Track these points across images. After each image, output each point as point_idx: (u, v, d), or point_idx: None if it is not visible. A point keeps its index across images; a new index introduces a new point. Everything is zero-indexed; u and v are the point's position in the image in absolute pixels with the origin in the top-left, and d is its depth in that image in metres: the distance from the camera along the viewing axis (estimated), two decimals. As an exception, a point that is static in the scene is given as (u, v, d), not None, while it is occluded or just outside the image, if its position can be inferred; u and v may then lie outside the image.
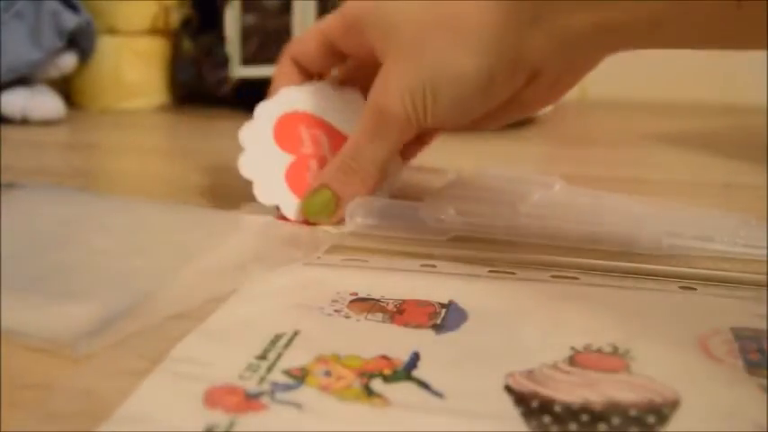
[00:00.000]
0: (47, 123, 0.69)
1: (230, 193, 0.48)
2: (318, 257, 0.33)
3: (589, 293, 0.30)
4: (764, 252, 0.34)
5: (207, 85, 0.78)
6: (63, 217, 0.38)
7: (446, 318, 0.28)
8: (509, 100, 0.36)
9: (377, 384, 0.23)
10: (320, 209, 0.37)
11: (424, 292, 0.30)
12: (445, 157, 0.48)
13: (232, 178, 0.52)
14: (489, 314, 0.28)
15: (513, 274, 0.32)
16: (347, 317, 0.28)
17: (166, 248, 0.34)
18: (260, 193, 0.38)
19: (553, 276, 0.31)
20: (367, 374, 0.23)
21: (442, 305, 0.29)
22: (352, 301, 0.29)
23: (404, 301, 0.29)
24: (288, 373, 0.23)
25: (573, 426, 0.21)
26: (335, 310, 0.28)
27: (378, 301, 0.29)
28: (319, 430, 0.21)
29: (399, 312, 0.28)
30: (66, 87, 0.77)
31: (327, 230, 0.36)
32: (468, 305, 0.29)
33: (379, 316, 0.28)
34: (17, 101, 0.68)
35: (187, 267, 0.31)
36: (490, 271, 0.32)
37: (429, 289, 0.30)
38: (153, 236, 0.36)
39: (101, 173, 0.56)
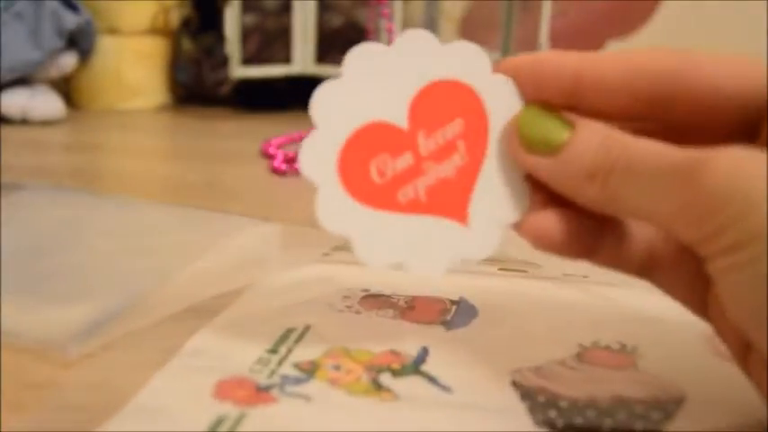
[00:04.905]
0: (47, 123, 0.68)
1: (230, 193, 0.49)
2: (326, 254, 0.33)
3: (598, 291, 0.30)
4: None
5: (207, 85, 0.79)
6: (63, 218, 0.37)
7: (456, 314, 0.28)
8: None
9: (385, 378, 0.23)
10: None
11: (435, 288, 0.30)
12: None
13: (232, 178, 0.53)
14: (499, 311, 0.28)
15: (525, 272, 0.32)
16: (358, 313, 0.28)
17: (166, 249, 0.34)
18: None
19: (565, 274, 0.31)
20: (376, 368, 0.23)
21: (453, 302, 0.29)
22: (363, 298, 0.29)
23: (414, 298, 0.29)
24: (298, 366, 0.23)
25: (578, 420, 0.21)
26: (347, 306, 0.28)
27: (389, 297, 0.29)
28: (328, 423, 0.21)
29: (410, 309, 0.28)
30: (66, 87, 0.77)
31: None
32: (479, 302, 0.29)
33: (390, 312, 0.28)
34: (17, 101, 0.68)
35: (189, 268, 0.31)
36: (500, 269, 0.32)
37: (439, 285, 0.30)
38: (153, 237, 0.36)
39: (101, 173, 0.56)
